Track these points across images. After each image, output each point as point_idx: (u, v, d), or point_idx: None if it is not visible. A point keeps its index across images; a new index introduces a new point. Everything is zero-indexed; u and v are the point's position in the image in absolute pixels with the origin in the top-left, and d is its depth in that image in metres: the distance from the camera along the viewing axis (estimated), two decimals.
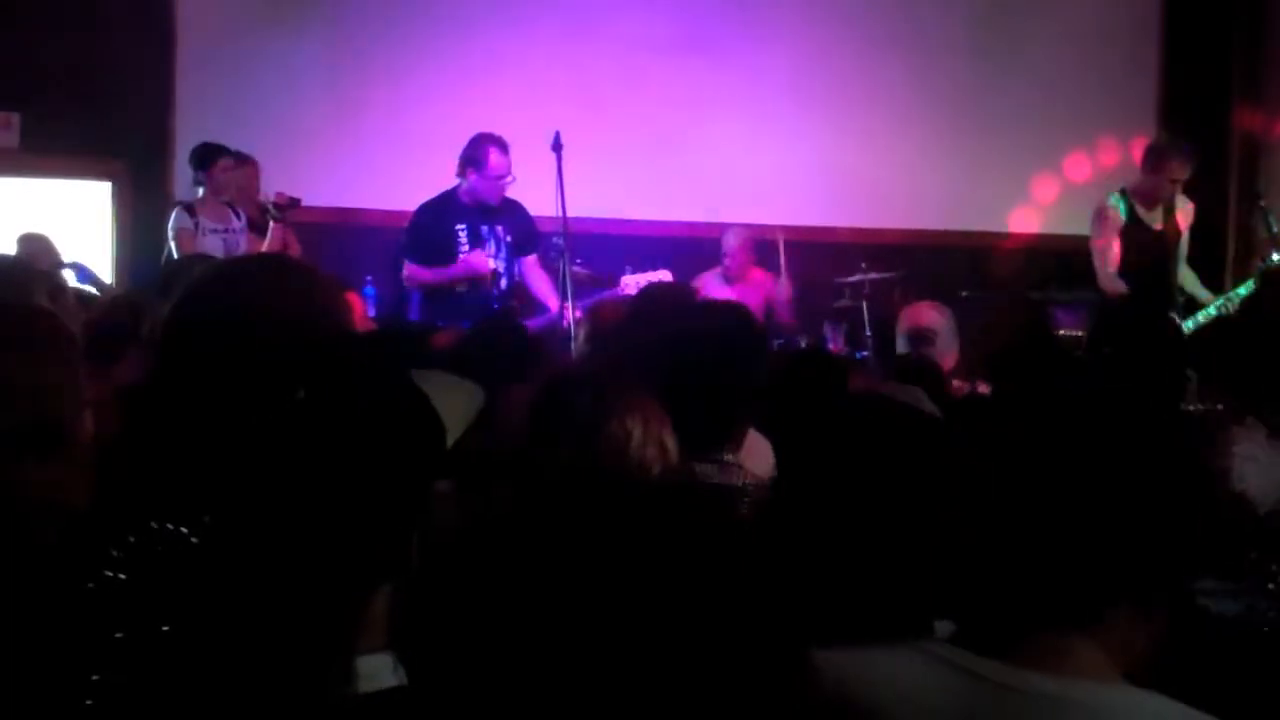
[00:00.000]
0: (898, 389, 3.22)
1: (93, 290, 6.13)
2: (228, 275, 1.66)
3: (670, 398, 2.53)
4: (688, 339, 2.95)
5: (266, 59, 7.91)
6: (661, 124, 8.20)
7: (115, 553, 1.34)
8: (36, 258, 6.06)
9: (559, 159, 6.03)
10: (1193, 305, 6.42)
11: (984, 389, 4.24)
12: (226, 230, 6.76)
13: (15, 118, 7.90)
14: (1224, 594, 2.04)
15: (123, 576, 1.33)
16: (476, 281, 6.20)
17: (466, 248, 6.20)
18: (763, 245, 7.65)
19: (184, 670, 1.29)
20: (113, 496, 1.52)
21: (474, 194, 6.19)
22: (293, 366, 1.48)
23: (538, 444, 2.10)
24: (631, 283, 6.46)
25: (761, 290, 7.47)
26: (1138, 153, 6.83)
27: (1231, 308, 6.12)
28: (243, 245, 6.73)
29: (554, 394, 2.18)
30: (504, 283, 6.28)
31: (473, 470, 1.88)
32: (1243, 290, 6.31)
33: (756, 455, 3.10)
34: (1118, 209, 6.52)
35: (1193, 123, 8.36)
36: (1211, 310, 6.24)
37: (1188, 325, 6.12)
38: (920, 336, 4.76)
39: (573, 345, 5.49)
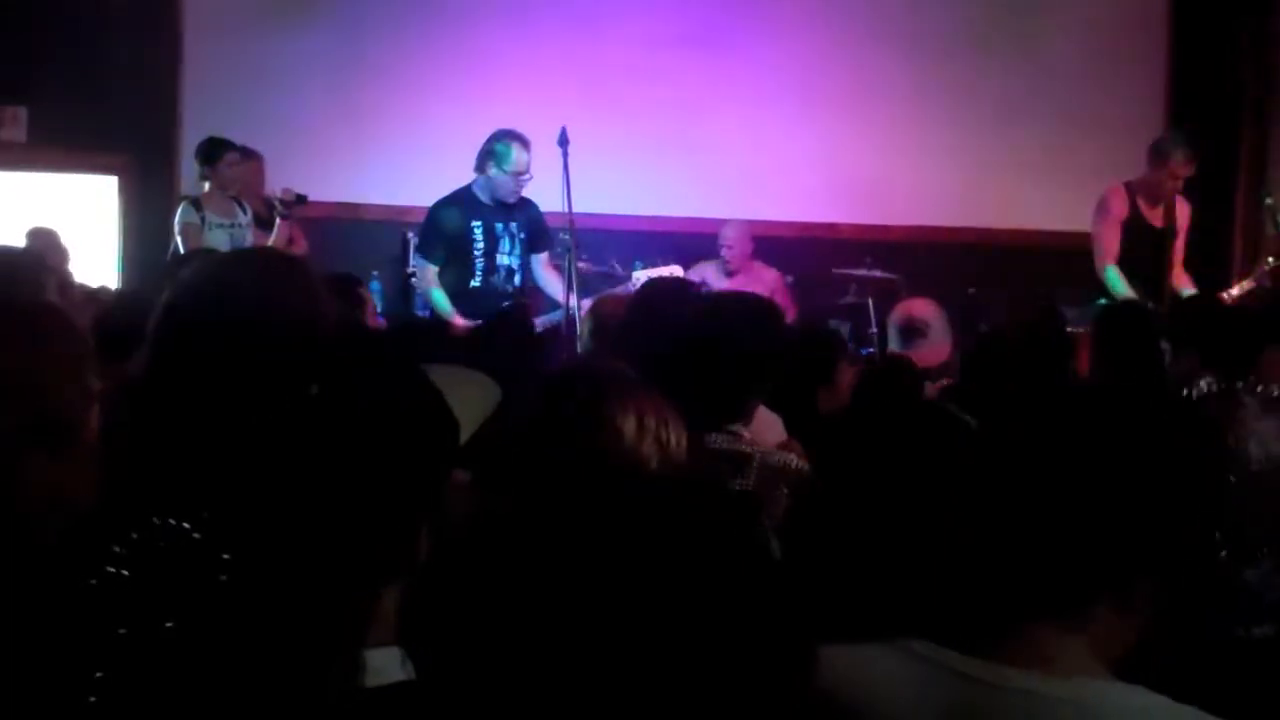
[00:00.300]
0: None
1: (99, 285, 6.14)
2: (219, 270, 1.66)
3: (679, 374, 2.62)
4: (696, 317, 3.07)
5: (272, 54, 7.91)
6: (666, 120, 8.19)
7: (118, 549, 1.34)
8: (45, 252, 6.07)
9: (565, 154, 6.03)
10: None
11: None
12: (232, 225, 6.76)
13: (22, 112, 7.91)
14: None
15: (125, 573, 1.32)
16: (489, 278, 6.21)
17: (481, 245, 6.19)
18: (764, 241, 7.66)
19: (188, 666, 1.29)
20: (116, 492, 1.52)
21: (491, 190, 6.19)
22: (290, 359, 1.48)
23: (537, 441, 2.12)
24: (643, 278, 6.47)
25: (762, 284, 7.46)
26: (1145, 149, 6.82)
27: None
28: (249, 240, 6.73)
29: (551, 391, 2.20)
30: (517, 279, 6.28)
31: (488, 464, 1.89)
32: None
33: (766, 429, 3.23)
34: (1120, 201, 6.53)
35: (1200, 119, 8.34)
36: None
37: None
38: (911, 329, 4.78)
39: (578, 341, 5.50)
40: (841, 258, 7.91)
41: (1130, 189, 6.57)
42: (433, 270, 6.25)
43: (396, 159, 7.88)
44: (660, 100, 8.20)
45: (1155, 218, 6.53)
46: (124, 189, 8.13)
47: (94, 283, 6.54)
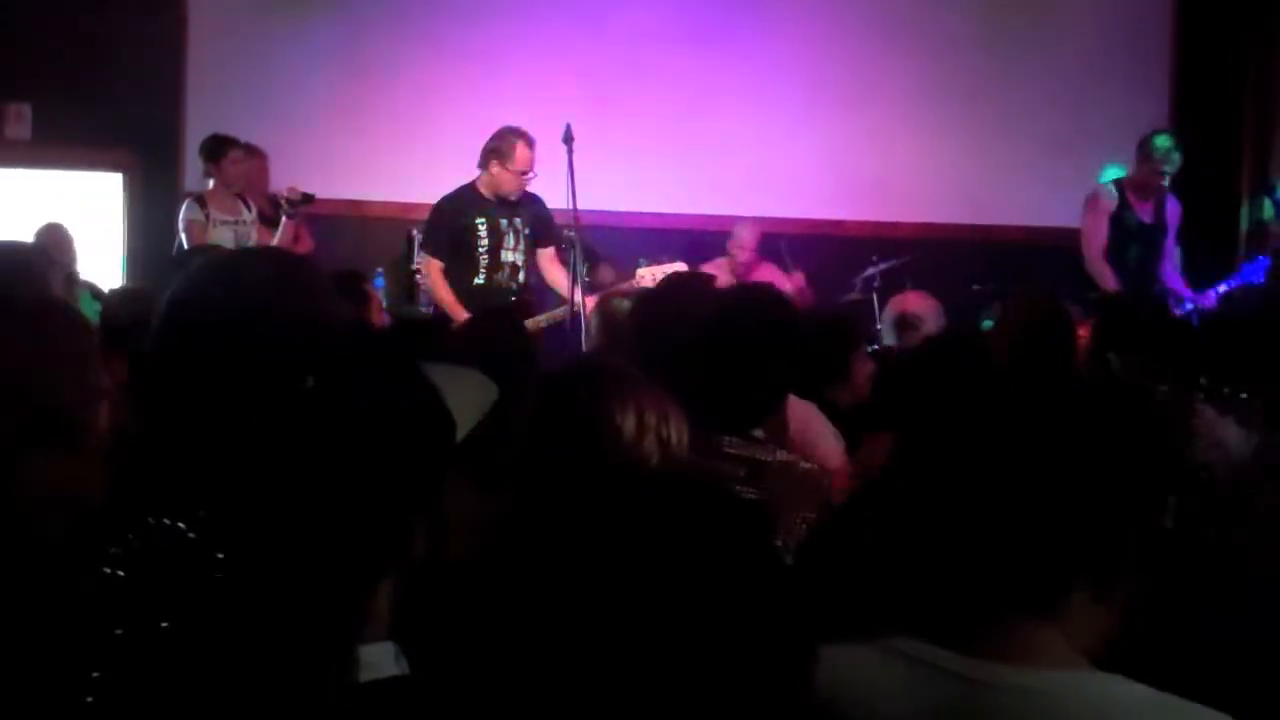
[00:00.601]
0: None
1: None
2: (222, 268, 1.65)
3: (691, 374, 2.56)
4: (704, 316, 2.96)
5: (277, 52, 7.91)
6: (671, 117, 8.19)
7: (114, 549, 1.34)
8: (55, 248, 6.08)
9: (570, 151, 6.02)
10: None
11: None
12: (237, 222, 6.77)
13: (27, 109, 7.92)
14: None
15: (121, 574, 1.32)
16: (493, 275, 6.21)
17: (485, 241, 6.19)
18: (769, 239, 7.65)
19: (185, 666, 1.29)
20: (115, 491, 1.51)
21: (494, 187, 6.19)
22: (291, 359, 1.48)
23: (538, 440, 2.12)
24: (647, 275, 6.46)
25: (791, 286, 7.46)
26: None
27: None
28: (253, 237, 6.74)
29: (551, 389, 2.20)
30: (522, 276, 6.28)
31: (486, 462, 1.89)
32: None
33: (808, 425, 3.14)
34: (1109, 195, 6.57)
35: (1205, 114, 8.34)
36: None
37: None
38: (905, 323, 4.79)
39: (583, 338, 5.50)
40: (847, 255, 7.91)
41: (1120, 184, 6.62)
42: (437, 267, 6.24)
43: (401, 156, 7.88)
44: (665, 98, 8.20)
45: (1145, 213, 6.59)
46: (128, 186, 8.13)
47: (98, 280, 6.55)
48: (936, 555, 1.51)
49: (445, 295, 6.17)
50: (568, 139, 6.05)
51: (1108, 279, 6.46)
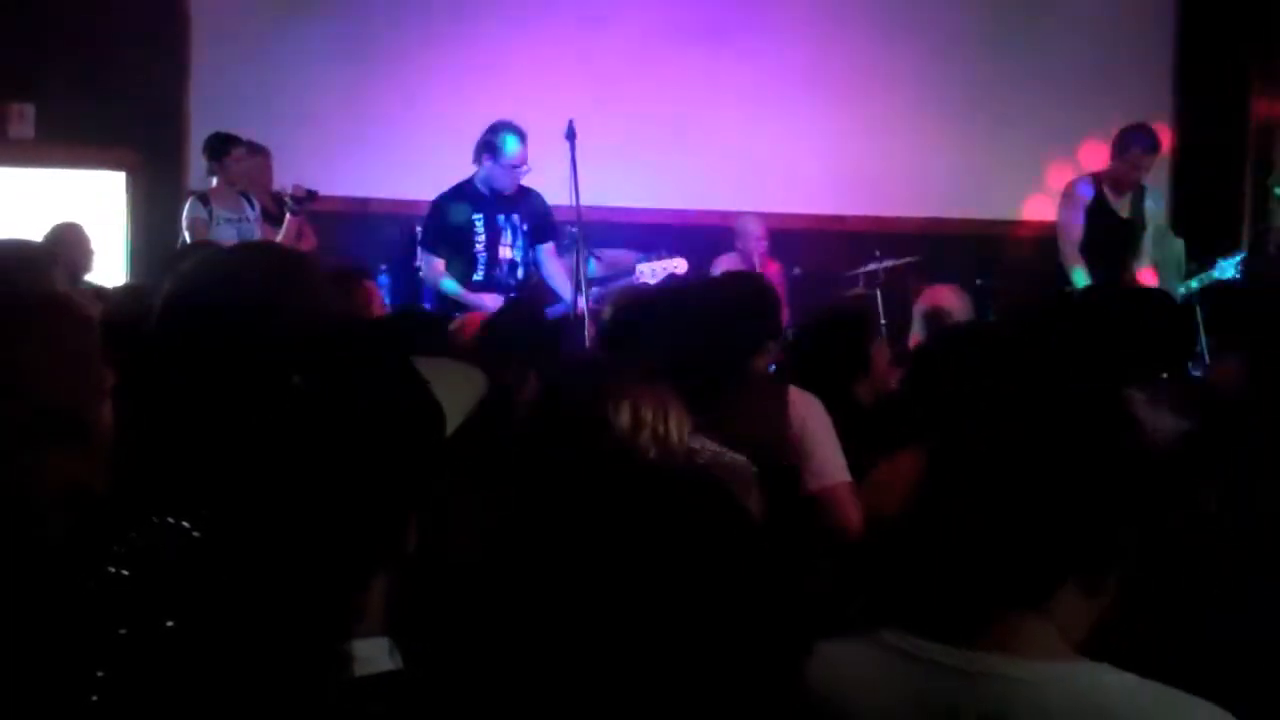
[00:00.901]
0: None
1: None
2: (219, 264, 1.65)
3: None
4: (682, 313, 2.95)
5: (279, 49, 7.91)
6: (673, 113, 8.19)
7: (118, 548, 1.34)
8: (71, 247, 6.10)
9: (573, 148, 6.02)
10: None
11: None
12: (240, 220, 6.77)
13: (29, 109, 7.92)
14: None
15: (126, 573, 1.32)
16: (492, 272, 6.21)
17: (483, 238, 6.18)
18: (771, 234, 7.67)
19: (189, 665, 1.29)
20: (118, 490, 1.51)
21: (489, 182, 6.17)
22: (282, 355, 1.48)
23: (538, 434, 2.13)
24: (647, 270, 6.46)
25: (772, 277, 7.46)
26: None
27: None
28: (257, 235, 6.74)
29: (553, 385, 2.21)
30: (520, 272, 6.28)
31: (480, 456, 1.89)
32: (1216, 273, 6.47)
33: (805, 409, 3.10)
34: (1085, 189, 6.59)
35: (1208, 109, 8.33)
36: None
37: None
38: (936, 316, 4.80)
39: (586, 335, 5.50)
40: (850, 250, 7.91)
41: (1096, 178, 6.64)
42: (439, 263, 6.24)
43: (403, 153, 7.89)
44: (667, 93, 8.20)
45: (1122, 208, 6.60)
46: (132, 185, 8.14)
47: (102, 279, 6.55)
48: (927, 550, 1.52)
49: (452, 286, 6.15)
50: (570, 135, 6.04)
51: (1081, 276, 6.50)
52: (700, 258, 7.23)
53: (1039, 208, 8.41)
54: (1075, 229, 6.58)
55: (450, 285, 6.15)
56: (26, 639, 1.36)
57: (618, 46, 8.20)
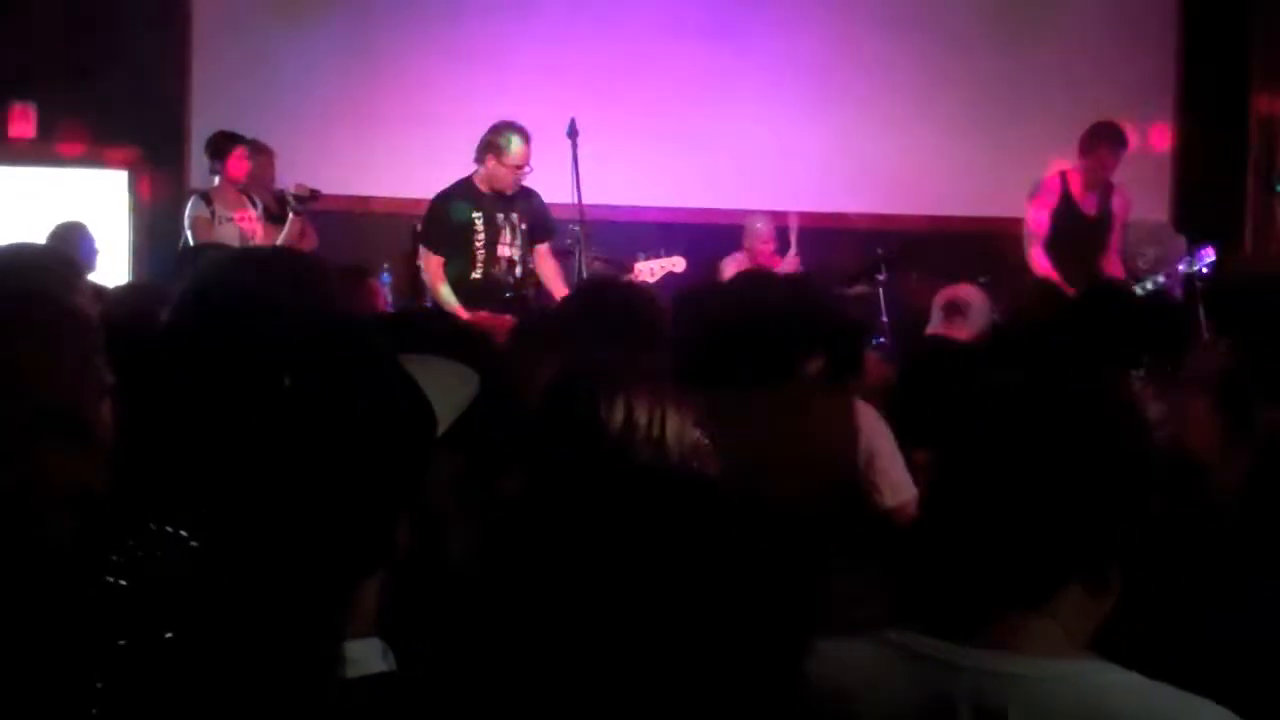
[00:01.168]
0: None
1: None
2: (231, 269, 1.65)
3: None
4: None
5: (281, 48, 7.91)
6: (675, 111, 8.18)
7: (116, 557, 1.34)
8: (74, 246, 6.10)
9: (574, 146, 6.01)
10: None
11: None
12: (243, 219, 6.78)
13: (32, 108, 7.92)
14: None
15: (124, 582, 1.32)
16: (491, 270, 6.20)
17: (482, 236, 6.18)
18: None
19: (189, 675, 1.29)
20: (118, 495, 1.51)
21: (490, 181, 6.16)
22: (279, 357, 1.47)
23: (544, 434, 2.14)
24: (645, 269, 6.45)
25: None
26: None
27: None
28: (259, 234, 6.75)
29: (558, 385, 2.22)
30: (519, 271, 6.27)
31: (479, 455, 1.89)
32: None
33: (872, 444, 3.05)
34: (1055, 185, 6.62)
35: (1211, 108, 8.33)
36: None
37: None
38: (953, 307, 4.85)
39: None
40: (852, 247, 7.90)
41: (1065, 176, 6.66)
42: (437, 262, 6.23)
43: (406, 151, 7.88)
44: (669, 91, 8.19)
45: (1089, 205, 6.64)
46: (134, 184, 8.14)
47: (104, 278, 6.55)
48: (931, 550, 1.52)
49: (441, 290, 6.15)
50: (572, 133, 6.04)
51: (1045, 269, 6.54)
52: (702, 256, 7.22)
53: None
54: (1039, 226, 6.68)
55: (448, 296, 6.13)
56: (27, 647, 1.35)
57: (619, 44, 8.20)
